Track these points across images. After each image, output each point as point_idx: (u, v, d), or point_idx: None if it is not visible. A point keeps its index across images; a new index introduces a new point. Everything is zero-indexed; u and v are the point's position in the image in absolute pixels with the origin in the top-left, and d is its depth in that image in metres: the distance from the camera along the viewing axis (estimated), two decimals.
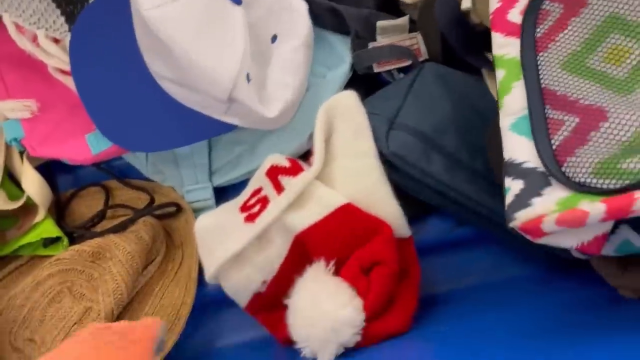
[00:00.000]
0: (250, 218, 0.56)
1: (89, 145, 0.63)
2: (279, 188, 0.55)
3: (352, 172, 0.55)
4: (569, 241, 0.38)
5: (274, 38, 0.60)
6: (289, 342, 0.54)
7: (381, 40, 0.63)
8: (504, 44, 0.48)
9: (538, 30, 0.46)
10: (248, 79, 0.55)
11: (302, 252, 0.55)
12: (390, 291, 0.52)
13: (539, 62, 0.45)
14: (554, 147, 0.40)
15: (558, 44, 0.45)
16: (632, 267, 0.48)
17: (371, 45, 0.62)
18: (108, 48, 0.60)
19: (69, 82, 0.63)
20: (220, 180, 0.65)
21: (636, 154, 0.36)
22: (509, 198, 0.40)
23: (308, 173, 0.54)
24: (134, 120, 0.60)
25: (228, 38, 0.53)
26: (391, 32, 0.63)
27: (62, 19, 0.62)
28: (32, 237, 0.62)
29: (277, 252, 0.56)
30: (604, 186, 0.36)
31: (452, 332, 0.51)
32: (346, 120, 0.56)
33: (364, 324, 0.51)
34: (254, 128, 0.60)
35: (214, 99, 0.55)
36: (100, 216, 0.66)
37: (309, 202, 0.54)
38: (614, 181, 0.36)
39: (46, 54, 0.61)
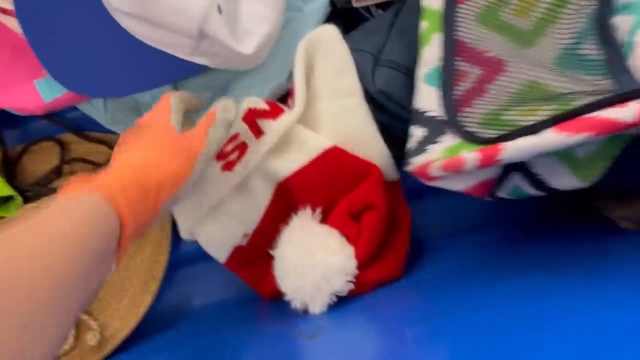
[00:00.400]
0: (228, 166, 0.52)
1: (39, 93, 0.56)
2: (258, 132, 0.51)
3: (336, 113, 0.52)
4: (457, 185, 0.40)
5: None
6: (274, 296, 0.51)
7: None
8: None
9: None
10: (220, 10, 0.49)
11: (286, 200, 0.52)
12: (382, 236, 0.50)
13: (457, 14, 0.46)
14: (455, 97, 0.41)
15: None
16: (629, 198, 0.47)
17: None
18: None
19: (12, 22, 0.56)
20: None
21: (518, 106, 0.37)
22: (411, 144, 0.42)
23: (289, 115, 0.51)
24: (90, 63, 0.54)
25: None
26: None
27: None
28: None
29: (258, 201, 0.52)
30: (486, 136, 0.37)
31: (444, 276, 0.50)
32: (328, 57, 0.53)
33: (356, 272, 0.48)
34: (225, 69, 0.55)
35: (182, 34, 0.49)
36: (57, 172, 0.61)
37: (292, 147, 0.51)
38: (493, 131, 0.37)
39: None
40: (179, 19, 0.48)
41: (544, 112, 0.35)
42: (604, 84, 0.34)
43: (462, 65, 0.42)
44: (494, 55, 0.42)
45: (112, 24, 0.54)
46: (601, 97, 0.32)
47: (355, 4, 0.60)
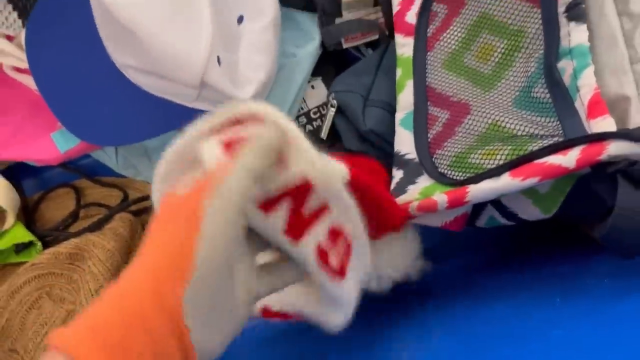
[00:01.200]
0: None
1: (55, 144, 0.62)
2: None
3: None
4: (435, 222, 0.44)
5: (240, 19, 0.60)
6: None
7: (347, 16, 0.63)
8: (403, 44, 0.53)
9: (429, 30, 0.51)
10: (219, 61, 0.55)
11: None
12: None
13: (427, 61, 0.50)
14: (429, 139, 0.45)
15: (442, 43, 0.50)
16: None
17: (338, 21, 0.62)
18: (66, 41, 0.59)
19: (28, 80, 0.62)
20: None
21: (482, 147, 0.41)
22: (393, 185, 0.46)
23: None
24: (100, 114, 0.59)
25: (195, 21, 0.53)
26: (356, 7, 0.63)
27: (15, 14, 0.61)
28: (2, 244, 0.61)
29: None
30: (455, 177, 0.42)
31: (430, 297, 0.53)
32: None
33: None
34: None
35: (185, 84, 0.54)
36: (74, 217, 0.66)
37: None
38: (461, 173, 0.41)
39: (0, 53, 0.60)
40: (181, 72, 0.53)
41: (503, 154, 0.39)
42: (554, 126, 0.38)
43: (433, 110, 0.47)
44: (460, 99, 0.46)
45: (120, 76, 0.59)
46: (549, 142, 0.36)
47: (345, 45, 0.65)
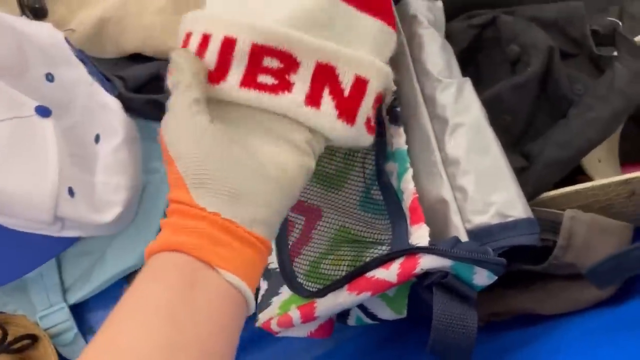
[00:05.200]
0: None
1: None
2: None
3: None
4: (301, 332, 0.45)
5: (97, 138, 0.60)
6: None
7: None
8: None
9: None
10: (72, 193, 0.55)
11: None
12: None
13: None
14: (289, 246, 0.46)
15: None
16: None
17: None
18: None
19: None
20: (76, 297, 0.64)
21: (332, 253, 0.43)
22: (259, 298, 0.47)
23: None
24: None
25: (39, 158, 0.53)
26: None
27: None
28: None
29: None
30: (310, 288, 0.43)
31: None
32: None
33: None
34: (98, 235, 0.60)
35: (40, 222, 0.54)
36: None
37: None
38: (313, 284, 0.43)
39: None
40: (30, 212, 0.53)
41: (346, 262, 0.40)
42: (387, 229, 0.41)
43: (291, 216, 0.48)
44: (312, 203, 0.48)
45: None
46: (380, 251, 0.38)
47: None
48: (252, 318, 0.45)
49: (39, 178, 0.53)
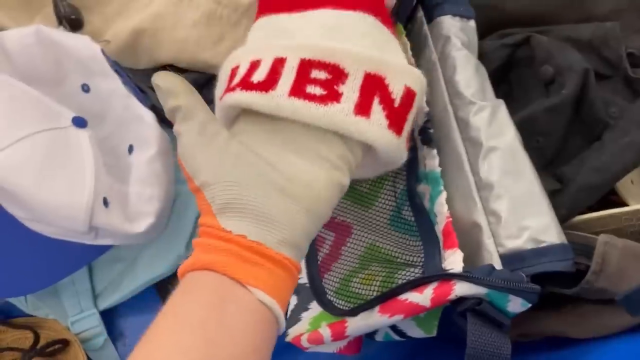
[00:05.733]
0: None
1: None
2: None
3: None
4: (329, 349, 0.45)
5: (130, 148, 0.61)
6: None
7: None
8: None
9: None
10: (106, 203, 0.56)
11: None
12: None
13: None
14: (318, 261, 0.46)
15: None
16: None
17: None
18: None
19: None
20: (106, 303, 0.65)
21: (362, 271, 0.43)
22: (288, 313, 0.47)
23: None
24: (6, 265, 0.60)
25: (76, 168, 0.55)
26: None
27: None
28: None
29: None
30: (340, 306, 0.43)
31: None
32: None
33: None
34: (130, 244, 0.61)
35: (75, 232, 0.56)
36: None
37: None
38: (344, 302, 0.43)
39: None
40: (66, 222, 0.55)
41: (377, 282, 0.41)
42: (419, 250, 0.41)
43: (321, 231, 0.49)
44: (342, 219, 0.48)
45: (19, 225, 0.60)
46: (412, 274, 0.38)
47: None
48: None
49: (76, 188, 0.54)
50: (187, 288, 0.33)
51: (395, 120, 0.34)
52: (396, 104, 0.34)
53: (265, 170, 0.33)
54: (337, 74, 0.33)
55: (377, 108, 0.33)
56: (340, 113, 0.33)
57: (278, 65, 0.34)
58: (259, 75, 0.34)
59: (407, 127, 0.35)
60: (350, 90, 0.33)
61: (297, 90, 0.33)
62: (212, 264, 0.32)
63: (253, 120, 0.35)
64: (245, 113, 0.36)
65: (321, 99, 0.33)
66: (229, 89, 0.35)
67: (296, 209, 0.33)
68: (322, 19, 0.36)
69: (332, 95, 0.33)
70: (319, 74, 0.34)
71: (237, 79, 0.35)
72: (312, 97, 0.33)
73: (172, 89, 0.35)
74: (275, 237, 0.32)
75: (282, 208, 0.33)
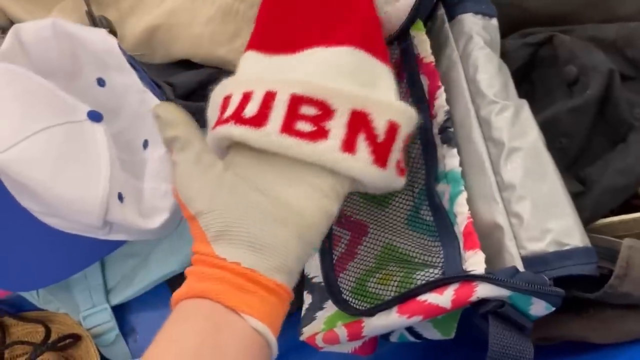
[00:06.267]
0: None
1: None
2: None
3: None
4: (344, 349, 0.45)
5: (145, 143, 0.61)
6: None
7: None
8: None
9: None
10: (121, 198, 0.56)
11: None
12: None
13: None
14: (334, 260, 0.45)
15: None
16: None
17: None
18: None
19: None
20: (118, 299, 0.65)
21: (379, 271, 0.43)
22: (303, 311, 0.47)
23: None
24: (18, 259, 0.60)
25: (91, 163, 0.54)
26: None
27: None
28: None
29: None
30: (356, 306, 0.43)
31: None
32: None
33: None
34: (144, 239, 0.61)
35: (89, 226, 0.55)
36: None
37: None
38: (360, 302, 0.43)
39: None
40: (81, 217, 0.54)
41: (395, 282, 0.40)
42: (438, 251, 0.40)
43: (336, 230, 0.48)
44: (358, 218, 0.48)
45: (33, 219, 0.60)
46: (432, 274, 0.38)
47: None
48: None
49: (91, 183, 0.54)
50: (180, 315, 0.34)
51: (381, 154, 0.35)
52: (379, 140, 0.35)
53: (258, 199, 0.34)
54: (326, 111, 0.35)
55: (362, 144, 0.35)
56: (328, 150, 0.34)
57: (269, 99, 0.35)
58: (250, 109, 0.35)
59: (392, 159, 0.36)
60: (337, 127, 0.35)
61: (288, 127, 0.35)
62: (206, 292, 0.33)
63: (245, 153, 0.37)
64: (238, 144, 0.37)
65: (310, 136, 0.35)
66: (222, 120, 0.37)
67: (288, 236, 0.34)
68: (313, 57, 0.37)
69: (320, 132, 0.35)
70: (308, 110, 0.35)
71: (229, 111, 0.37)
72: (301, 135, 0.35)
73: (171, 119, 0.37)
74: (268, 263, 0.34)
75: (275, 235, 0.34)
